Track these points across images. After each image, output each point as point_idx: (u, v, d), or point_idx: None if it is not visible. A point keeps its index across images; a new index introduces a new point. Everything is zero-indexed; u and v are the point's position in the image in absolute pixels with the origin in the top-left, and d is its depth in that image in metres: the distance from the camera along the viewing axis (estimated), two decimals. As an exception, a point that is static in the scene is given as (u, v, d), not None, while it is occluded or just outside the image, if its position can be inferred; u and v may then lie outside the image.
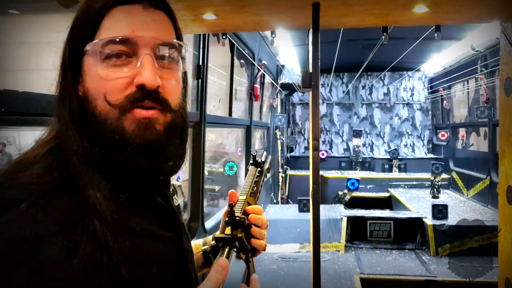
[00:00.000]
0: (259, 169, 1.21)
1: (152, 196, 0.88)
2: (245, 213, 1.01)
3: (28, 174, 0.73)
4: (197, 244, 1.19)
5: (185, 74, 0.93)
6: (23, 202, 0.68)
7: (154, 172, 0.84)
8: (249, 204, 1.05)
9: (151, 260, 0.80)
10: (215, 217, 4.97)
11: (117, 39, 0.80)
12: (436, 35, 2.56)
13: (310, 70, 2.32)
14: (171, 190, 1.01)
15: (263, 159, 1.25)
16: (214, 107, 6.18)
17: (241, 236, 0.90)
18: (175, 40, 0.87)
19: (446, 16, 2.40)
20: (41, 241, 0.66)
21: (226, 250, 0.86)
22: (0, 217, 0.67)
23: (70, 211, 0.71)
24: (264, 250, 1.05)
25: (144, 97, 0.80)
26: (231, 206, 0.93)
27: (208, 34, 4.09)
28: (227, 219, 0.92)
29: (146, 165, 0.81)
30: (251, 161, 1.22)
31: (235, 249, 0.87)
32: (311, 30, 2.35)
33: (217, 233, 1.12)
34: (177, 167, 0.90)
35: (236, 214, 0.93)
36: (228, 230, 0.91)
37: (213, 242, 1.13)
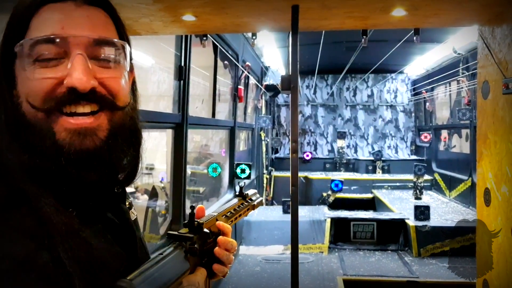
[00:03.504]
0: (243, 201, 1.20)
1: (102, 212, 0.82)
2: (213, 233, 0.98)
3: None
4: None
5: (131, 73, 0.87)
6: None
7: (100, 184, 0.78)
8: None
9: (105, 271, 0.75)
10: (197, 219, 4.93)
11: (45, 39, 0.74)
12: (415, 38, 2.58)
13: (290, 73, 2.32)
14: (130, 202, 0.95)
15: (253, 198, 1.26)
16: (197, 108, 6.15)
17: (192, 237, 0.88)
18: (115, 39, 0.80)
19: (424, 19, 2.42)
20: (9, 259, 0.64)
21: (174, 245, 0.85)
22: None
23: (29, 226, 0.68)
24: (224, 276, 0.99)
25: (75, 100, 0.74)
26: (192, 208, 0.91)
27: (190, 35, 4.07)
28: (186, 221, 0.91)
29: (89, 177, 0.75)
30: (237, 193, 1.22)
31: (183, 248, 0.86)
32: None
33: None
34: (131, 176, 0.85)
35: (198, 220, 0.92)
36: (184, 231, 0.90)
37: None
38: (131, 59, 0.85)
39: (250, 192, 1.26)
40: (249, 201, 1.23)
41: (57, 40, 0.74)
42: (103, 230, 0.80)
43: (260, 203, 1.31)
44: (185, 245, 0.86)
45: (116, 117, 0.79)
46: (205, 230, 0.94)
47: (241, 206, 1.18)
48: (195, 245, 0.88)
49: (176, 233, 0.88)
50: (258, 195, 1.29)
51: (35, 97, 0.74)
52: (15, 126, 0.76)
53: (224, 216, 1.07)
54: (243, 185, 1.26)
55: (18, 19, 0.77)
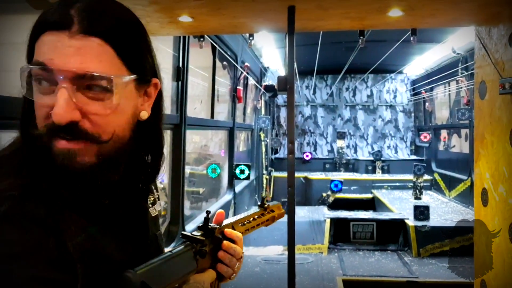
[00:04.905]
0: (263, 212, 1.24)
1: (116, 209, 0.87)
2: (223, 234, 1.03)
3: None
4: None
5: (153, 87, 0.94)
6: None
7: (120, 184, 0.85)
8: (234, 228, 1.07)
9: (110, 263, 0.81)
10: (196, 220, 4.93)
11: (36, 67, 0.77)
12: (412, 38, 2.58)
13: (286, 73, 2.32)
14: (154, 196, 1.03)
15: (275, 209, 1.29)
16: (196, 109, 6.15)
17: (204, 240, 0.93)
18: (100, 74, 0.77)
19: (421, 20, 2.42)
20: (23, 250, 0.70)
21: (184, 245, 0.90)
22: None
23: (39, 215, 0.73)
24: (231, 278, 1.04)
25: (59, 130, 0.76)
26: (207, 213, 0.96)
27: (188, 36, 4.07)
28: (200, 224, 0.96)
29: (78, 195, 0.80)
30: (259, 203, 1.26)
31: (193, 249, 0.90)
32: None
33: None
34: (153, 175, 0.92)
35: (211, 224, 0.98)
36: (197, 233, 0.95)
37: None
38: (155, 72, 0.91)
39: (273, 203, 1.29)
40: (270, 212, 1.26)
41: (45, 70, 0.76)
42: (112, 227, 0.85)
43: (282, 215, 1.33)
44: (196, 247, 0.90)
45: (103, 149, 0.80)
46: (218, 235, 0.99)
47: (260, 216, 1.21)
48: (205, 248, 0.92)
49: (189, 234, 0.93)
50: (282, 209, 1.33)
51: (38, 121, 0.80)
52: (29, 142, 0.81)
53: (240, 224, 1.11)
54: (265, 196, 1.28)
55: (28, 42, 0.81)
